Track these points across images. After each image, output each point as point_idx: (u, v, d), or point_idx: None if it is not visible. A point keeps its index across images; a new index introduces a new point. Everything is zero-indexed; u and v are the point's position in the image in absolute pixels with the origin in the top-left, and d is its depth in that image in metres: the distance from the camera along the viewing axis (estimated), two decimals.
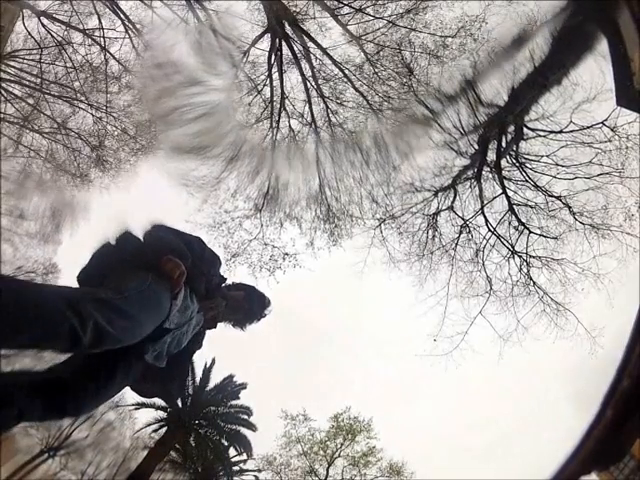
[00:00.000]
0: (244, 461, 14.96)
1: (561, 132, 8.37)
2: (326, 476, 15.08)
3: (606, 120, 8.00)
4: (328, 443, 15.28)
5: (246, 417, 14.52)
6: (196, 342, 1.98)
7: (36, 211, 10.55)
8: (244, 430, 14.42)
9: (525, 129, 8.69)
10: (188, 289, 1.79)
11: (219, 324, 2.13)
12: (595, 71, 7.48)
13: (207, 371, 14.47)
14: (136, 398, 13.81)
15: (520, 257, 9.42)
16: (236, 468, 14.91)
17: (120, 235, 1.75)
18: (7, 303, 1.14)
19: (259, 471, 15.11)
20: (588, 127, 8.15)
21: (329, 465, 15.15)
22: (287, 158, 9.60)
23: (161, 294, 1.61)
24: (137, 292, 1.51)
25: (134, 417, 14.72)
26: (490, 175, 9.17)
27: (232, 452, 14.68)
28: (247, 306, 2.16)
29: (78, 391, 1.48)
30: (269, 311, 2.23)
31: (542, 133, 8.61)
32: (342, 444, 15.26)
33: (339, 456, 15.26)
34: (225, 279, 2.19)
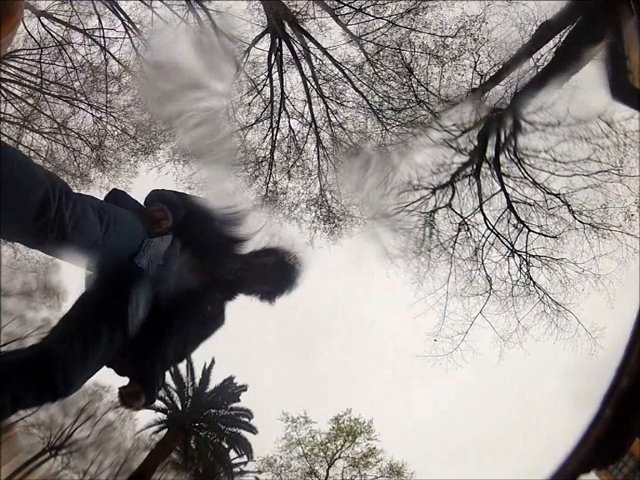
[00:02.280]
0: (244, 463, 14.96)
1: (559, 125, 8.35)
2: (326, 477, 15.07)
3: (602, 114, 7.98)
4: (328, 445, 15.27)
5: (246, 420, 14.53)
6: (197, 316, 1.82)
7: None
8: (244, 433, 14.43)
9: (523, 123, 8.68)
10: (179, 243, 1.75)
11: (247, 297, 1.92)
12: (594, 72, 7.49)
13: (207, 372, 14.47)
14: None
15: (520, 256, 9.42)
16: (237, 470, 14.92)
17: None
18: None
19: (259, 472, 15.11)
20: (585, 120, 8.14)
21: (329, 466, 15.13)
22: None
23: (138, 223, 1.62)
24: (114, 207, 1.56)
25: (135, 418, 14.73)
26: (489, 172, 9.17)
27: (232, 454, 14.71)
28: (276, 275, 1.86)
29: (65, 364, 1.46)
30: (302, 280, 1.91)
31: (540, 126, 8.60)
32: (342, 445, 15.25)
33: (339, 457, 15.24)
34: (247, 239, 2.01)
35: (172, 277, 1.71)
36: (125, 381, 1.75)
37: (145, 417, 14.41)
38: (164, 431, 14.28)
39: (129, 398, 1.73)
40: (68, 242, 1.38)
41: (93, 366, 1.58)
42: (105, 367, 1.68)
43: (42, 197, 1.25)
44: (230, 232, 1.88)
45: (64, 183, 1.40)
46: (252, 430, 14.42)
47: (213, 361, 14.42)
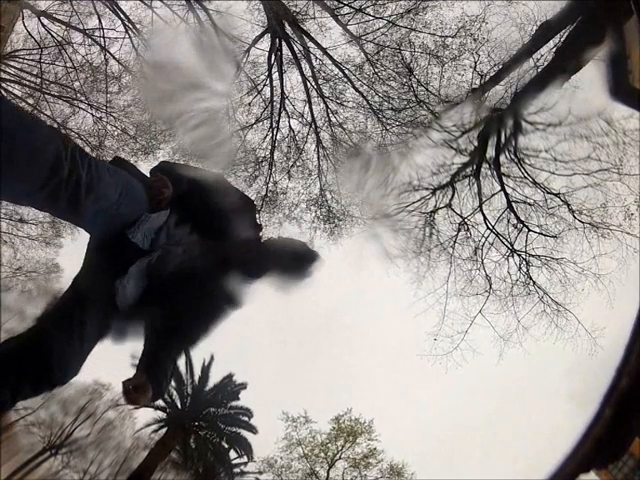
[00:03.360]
0: (245, 464, 14.95)
1: (560, 124, 8.36)
2: (327, 478, 15.05)
3: (602, 113, 7.99)
4: (329, 445, 15.25)
5: (246, 419, 14.51)
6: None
7: (36, 215, 10.60)
8: (244, 432, 14.42)
9: (524, 123, 8.68)
10: (175, 217, 1.65)
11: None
12: (594, 72, 7.49)
13: (206, 369, 14.44)
14: None
15: (519, 256, 9.42)
16: (237, 470, 14.90)
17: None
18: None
19: (260, 473, 15.10)
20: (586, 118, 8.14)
21: (330, 467, 15.12)
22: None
23: (144, 194, 1.54)
24: (126, 173, 1.50)
25: (134, 417, 14.72)
26: (489, 172, 9.18)
27: (232, 454, 14.70)
28: (287, 263, 1.78)
29: (58, 348, 1.39)
30: (316, 268, 1.82)
31: (540, 126, 8.61)
32: (343, 446, 15.23)
33: (340, 458, 15.23)
34: (259, 227, 1.95)
35: (169, 254, 1.60)
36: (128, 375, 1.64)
37: (144, 416, 14.43)
38: (163, 430, 14.28)
39: (135, 392, 1.59)
40: (81, 205, 1.29)
41: (88, 346, 1.50)
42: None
43: (53, 155, 1.18)
44: (236, 215, 1.80)
45: (78, 145, 1.34)
46: (252, 430, 14.41)
47: (212, 358, 14.39)
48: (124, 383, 1.59)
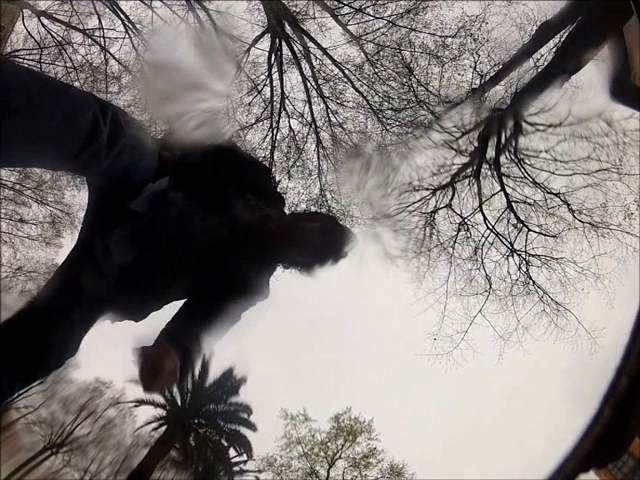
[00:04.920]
0: (244, 462, 14.95)
1: (560, 125, 8.37)
2: (327, 477, 15.06)
3: (602, 113, 8.00)
4: (329, 444, 15.26)
5: (246, 416, 14.51)
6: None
7: (36, 216, 10.61)
8: (244, 430, 14.42)
9: (524, 123, 8.70)
10: (176, 182, 1.43)
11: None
12: (594, 72, 7.50)
13: (205, 364, 14.42)
14: (136, 395, 13.86)
15: (519, 255, 9.43)
16: (236, 469, 14.91)
17: None
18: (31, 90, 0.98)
19: (259, 472, 15.10)
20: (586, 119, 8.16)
21: (330, 466, 15.12)
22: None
23: (155, 163, 1.37)
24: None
25: (134, 414, 14.75)
26: (489, 172, 9.19)
27: (232, 452, 14.70)
28: (321, 243, 1.51)
29: (50, 329, 1.25)
30: (351, 249, 1.58)
31: (541, 127, 8.62)
32: (343, 445, 15.24)
33: (340, 457, 15.23)
34: (281, 198, 1.70)
35: (160, 217, 1.37)
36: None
37: (144, 414, 14.46)
38: (164, 428, 14.29)
39: (157, 358, 1.16)
40: (118, 175, 1.18)
41: (83, 325, 1.34)
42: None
43: (90, 120, 1.06)
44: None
45: (119, 108, 1.21)
46: (251, 427, 14.41)
47: (212, 353, 14.34)
48: (141, 349, 1.17)
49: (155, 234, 1.36)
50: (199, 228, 1.41)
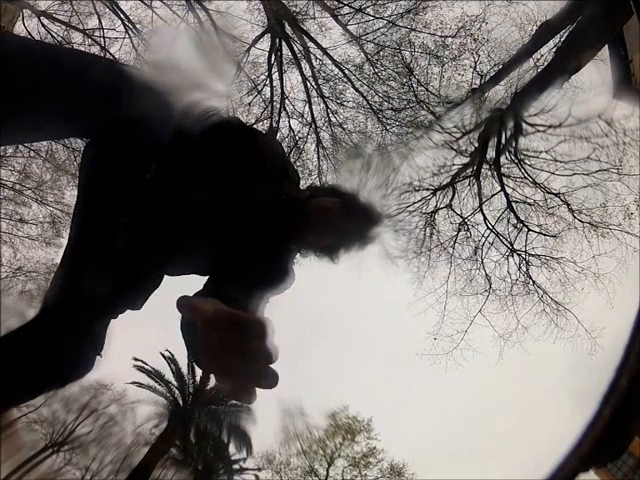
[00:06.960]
0: (244, 459, 14.98)
1: (560, 126, 8.38)
2: (326, 476, 15.06)
3: (602, 113, 8.00)
4: (327, 442, 15.26)
5: (245, 412, 14.54)
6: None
7: (36, 216, 10.61)
8: (243, 424, 14.46)
9: (524, 124, 8.71)
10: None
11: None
12: (594, 72, 7.51)
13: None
14: (136, 394, 13.88)
15: (519, 255, 9.44)
16: (236, 467, 14.92)
17: None
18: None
19: (259, 470, 15.11)
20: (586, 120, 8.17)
21: (329, 465, 15.12)
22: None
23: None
24: None
25: (135, 412, 14.75)
26: (489, 173, 9.20)
27: (232, 450, 14.72)
28: (342, 223, 1.25)
29: (67, 334, 1.09)
30: (378, 233, 1.31)
31: (541, 128, 8.64)
32: (341, 443, 15.23)
33: (339, 456, 15.23)
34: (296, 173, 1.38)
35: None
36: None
37: (145, 410, 14.46)
38: (164, 425, 14.32)
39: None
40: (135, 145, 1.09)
41: (100, 328, 1.15)
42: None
43: (108, 91, 1.01)
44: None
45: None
46: (250, 422, 14.45)
47: None
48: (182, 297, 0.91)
49: (164, 209, 1.15)
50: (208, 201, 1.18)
